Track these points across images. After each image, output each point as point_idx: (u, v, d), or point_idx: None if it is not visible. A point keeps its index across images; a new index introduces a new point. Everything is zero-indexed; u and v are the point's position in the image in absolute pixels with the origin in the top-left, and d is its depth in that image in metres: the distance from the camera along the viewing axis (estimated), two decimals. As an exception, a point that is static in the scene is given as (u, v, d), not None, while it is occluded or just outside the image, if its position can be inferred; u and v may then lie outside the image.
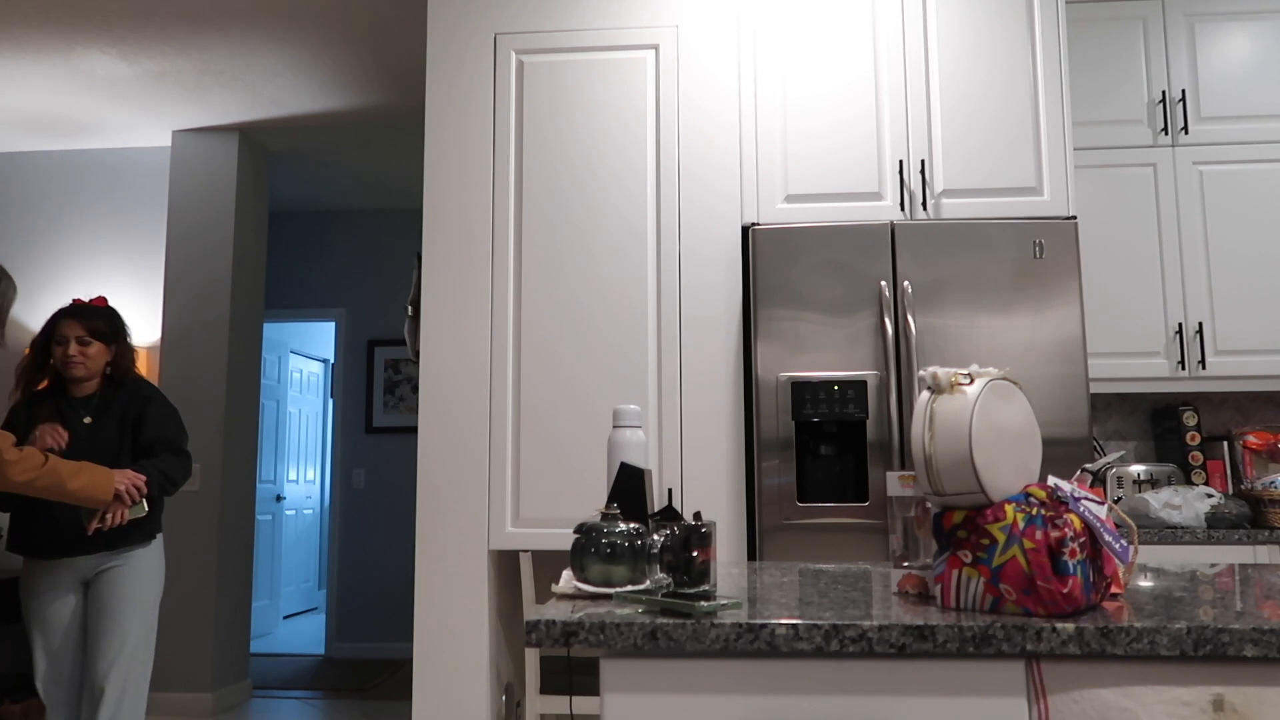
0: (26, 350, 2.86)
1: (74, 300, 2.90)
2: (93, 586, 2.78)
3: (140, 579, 2.80)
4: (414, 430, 5.95)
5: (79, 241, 5.02)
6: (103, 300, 2.95)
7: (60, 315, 2.86)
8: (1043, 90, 2.86)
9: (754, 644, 1.21)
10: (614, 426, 1.71)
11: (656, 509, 1.81)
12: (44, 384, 2.88)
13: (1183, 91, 3.23)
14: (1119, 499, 3.08)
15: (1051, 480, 1.33)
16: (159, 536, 2.88)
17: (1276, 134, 3.22)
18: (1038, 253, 2.71)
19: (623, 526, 1.44)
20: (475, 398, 2.88)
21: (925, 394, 1.36)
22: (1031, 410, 1.40)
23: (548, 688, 2.72)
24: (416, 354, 3.05)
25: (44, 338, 2.86)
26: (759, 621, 1.21)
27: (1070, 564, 1.22)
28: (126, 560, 2.78)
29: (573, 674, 2.77)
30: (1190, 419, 3.20)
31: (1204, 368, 3.13)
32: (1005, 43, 2.89)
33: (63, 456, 2.70)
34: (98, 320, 2.86)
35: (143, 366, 4.80)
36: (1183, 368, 3.15)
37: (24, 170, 5.09)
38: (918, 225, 2.75)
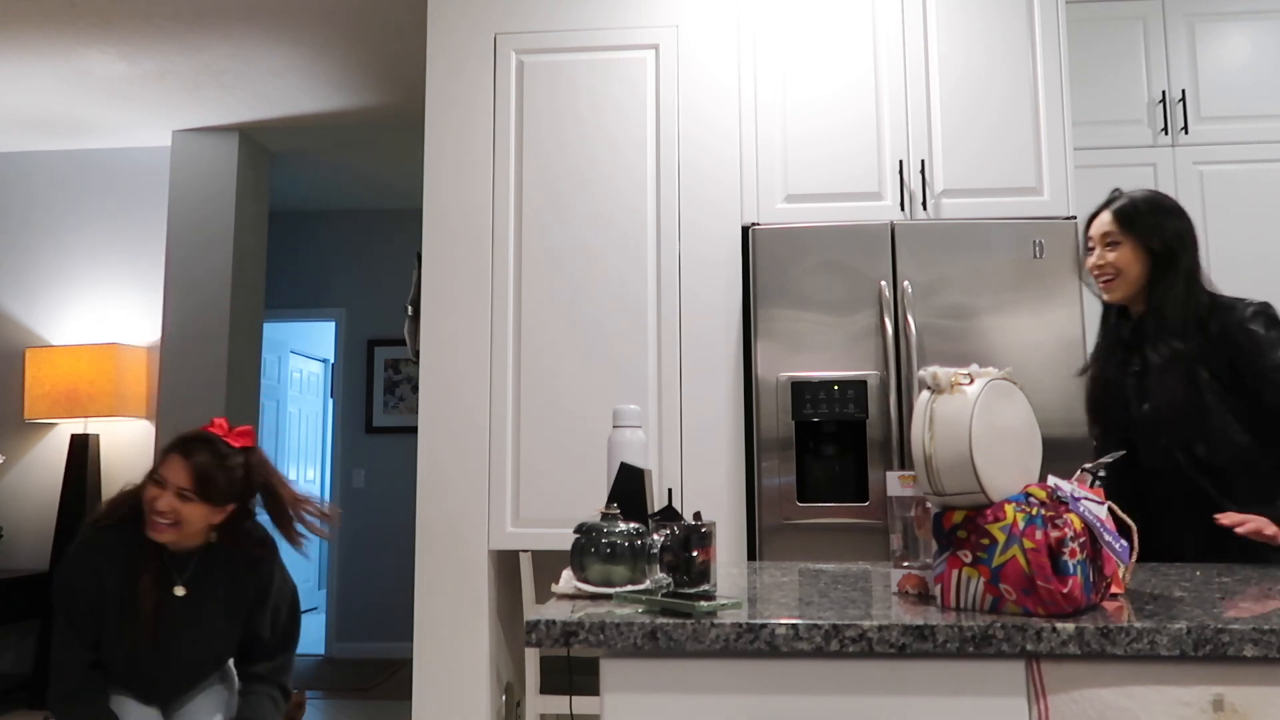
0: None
1: (210, 425, 2.15)
2: (174, 714, 2.26)
3: (222, 696, 2.32)
4: (414, 430, 5.95)
5: (79, 241, 5.02)
6: (250, 434, 2.19)
7: (173, 446, 2.14)
8: (1043, 90, 2.86)
9: (754, 644, 1.21)
10: (614, 426, 1.71)
11: (656, 509, 1.80)
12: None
13: (1183, 91, 3.23)
14: (1119, 499, 3.08)
15: (1051, 480, 1.33)
16: None
17: (1276, 134, 3.22)
18: (1038, 252, 2.71)
19: (623, 526, 1.44)
20: (475, 398, 2.88)
21: (925, 394, 1.36)
22: (1031, 410, 1.40)
23: (548, 688, 2.72)
24: (416, 354, 3.05)
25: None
26: (759, 621, 1.21)
27: (1070, 564, 1.22)
28: (212, 680, 2.31)
29: (573, 674, 2.77)
30: (1190, 419, 3.19)
31: (1204, 368, 3.13)
32: (1005, 43, 2.89)
33: (155, 637, 2.11)
34: (216, 470, 2.10)
35: (142, 367, 4.79)
36: (1183, 368, 3.14)
37: (24, 170, 5.09)
38: (918, 225, 2.75)
